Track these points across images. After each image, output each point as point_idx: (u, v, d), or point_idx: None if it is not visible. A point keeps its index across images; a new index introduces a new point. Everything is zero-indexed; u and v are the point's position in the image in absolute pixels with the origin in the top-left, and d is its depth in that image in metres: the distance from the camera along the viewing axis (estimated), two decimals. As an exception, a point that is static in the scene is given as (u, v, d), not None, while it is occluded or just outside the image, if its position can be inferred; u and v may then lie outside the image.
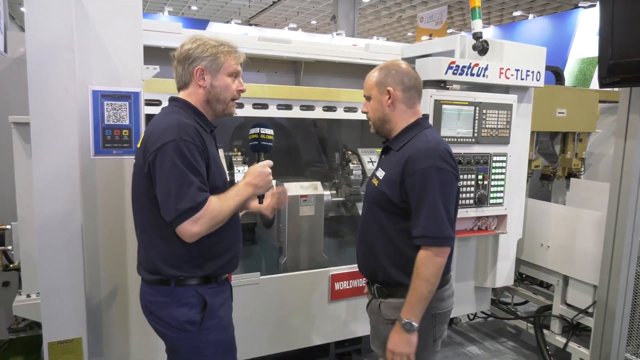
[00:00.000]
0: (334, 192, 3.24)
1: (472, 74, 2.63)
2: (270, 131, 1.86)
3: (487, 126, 2.74)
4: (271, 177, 1.78)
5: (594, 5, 10.82)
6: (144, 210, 1.68)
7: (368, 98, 1.92)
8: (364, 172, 3.17)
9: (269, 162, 1.81)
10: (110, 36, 2.12)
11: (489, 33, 14.61)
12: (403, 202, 1.78)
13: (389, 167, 1.85)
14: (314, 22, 19.53)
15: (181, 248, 1.63)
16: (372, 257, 1.90)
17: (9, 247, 2.50)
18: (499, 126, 2.78)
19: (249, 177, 1.74)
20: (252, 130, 1.86)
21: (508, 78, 2.76)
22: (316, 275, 2.76)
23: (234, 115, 1.83)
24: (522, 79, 2.81)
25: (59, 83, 1.91)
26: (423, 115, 1.93)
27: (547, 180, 4.08)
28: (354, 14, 14.58)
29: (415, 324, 1.70)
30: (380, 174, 1.88)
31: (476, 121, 2.70)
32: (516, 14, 14.65)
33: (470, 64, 2.62)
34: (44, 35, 1.88)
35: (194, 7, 17.53)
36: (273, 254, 2.89)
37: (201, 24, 14.28)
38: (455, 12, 16.46)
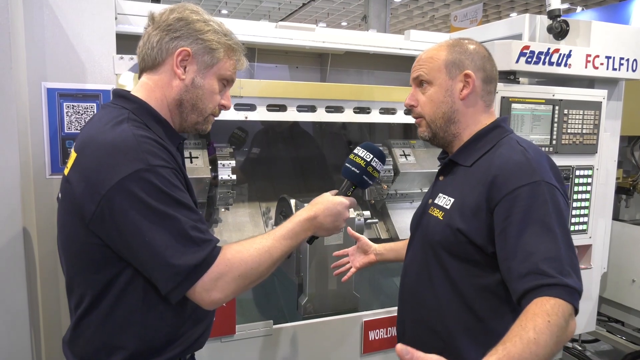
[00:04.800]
0: (367, 212, 2.65)
1: (550, 63, 2.00)
2: (382, 166, 1.37)
3: (569, 131, 2.11)
4: (345, 224, 1.32)
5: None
6: (85, 273, 1.12)
7: (422, 83, 1.34)
8: (395, 167, 2.64)
9: (353, 202, 1.33)
10: (72, 18, 1.61)
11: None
12: (493, 243, 1.17)
13: (462, 190, 1.27)
14: (344, 23, 19.05)
15: (139, 324, 1.11)
16: (434, 330, 1.28)
17: None
18: (584, 131, 2.14)
19: (316, 210, 1.24)
20: (360, 153, 1.35)
21: (596, 68, 2.11)
22: (345, 322, 2.17)
23: (205, 132, 1.29)
24: (614, 69, 2.16)
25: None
26: (501, 117, 1.39)
27: (625, 195, 3.41)
28: (386, 14, 14.01)
29: None
30: (445, 201, 1.29)
31: (555, 124, 2.07)
32: (564, 6, 13.75)
33: (549, 49, 2.00)
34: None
35: (224, 11, 17.29)
36: (292, 292, 2.33)
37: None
38: (491, 9, 15.65)
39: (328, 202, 1.26)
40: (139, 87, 1.19)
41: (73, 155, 1.11)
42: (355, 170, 1.33)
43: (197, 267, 1.03)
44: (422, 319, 1.34)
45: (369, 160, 1.33)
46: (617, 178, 3.09)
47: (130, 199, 1.01)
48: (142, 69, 1.21)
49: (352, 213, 2.32)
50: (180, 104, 1.19)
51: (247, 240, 1.15)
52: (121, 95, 1.18)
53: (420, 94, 1.34)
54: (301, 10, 17.15)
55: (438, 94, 1.31)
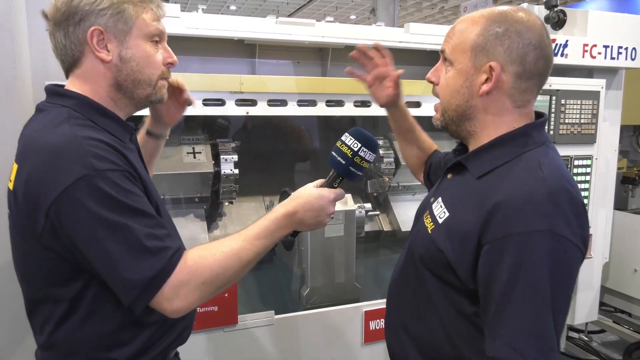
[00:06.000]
0: (368, 205, 2.68)
1: (547, 53, 2.00)
2: (372, 155, 1.20)
3: (566, 121, 2.11)
4: (330, 219, 1.20)
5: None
6: (50, 289, 1.04)
7: (447, 61, 1.10)
8: (396, 159, 2.64)
9: (340, 194, 1.19)
10: (74, 16, 1.66)
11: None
12: (475, 279, 1.00)
13: (459, 206, 1.07)
14: (353, 16, 19.00)
15: (111, 326, 1.06)
16: (402, 345, 1.19)
17: None
18: (582, 121, 2.15)
19: (295, 204, 1.13)
20: (346, 141, 1.19)
21: (594, 57, 2.12)
22: (345, 312, 2.21)
23: (165, 101, 1.17)
24: (612, 58, 2.16)
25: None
26: (537, 118, 1.10)
27: (630, 185, 3.39)
28: (395, 6, 13.93)
29: None
30: (440, 212, 1.11)
31: (552, 115, 2.08)
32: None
33: (545, 39, 2.00)
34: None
35: (232, 7, 17.38)
36: (293, 283, 2.37)
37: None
38: (503, -1, 15.52)
39: (309, 195, 1.14)
40: (70, 84, 1.09)
41: (15, 167, 1.03)
42: (341, 160, 1.18)
43: (154, 279, 0.97)
44: (392, 328, 1.26)
45: (356, 149, 1.17)
46: (621, 168, 3.09)
47: (78, 209, 0.93)
48: (66, 70, 1.11)
49: (353, 205, 2.35)
50: (119, 87, 1.08)
51: (215, 242, 1.07)
52: (56, 93, 1.07)
53: (442, 70, 1.12)
54: (310, 5, 17.15)
55: (456, 80, 1.07)
